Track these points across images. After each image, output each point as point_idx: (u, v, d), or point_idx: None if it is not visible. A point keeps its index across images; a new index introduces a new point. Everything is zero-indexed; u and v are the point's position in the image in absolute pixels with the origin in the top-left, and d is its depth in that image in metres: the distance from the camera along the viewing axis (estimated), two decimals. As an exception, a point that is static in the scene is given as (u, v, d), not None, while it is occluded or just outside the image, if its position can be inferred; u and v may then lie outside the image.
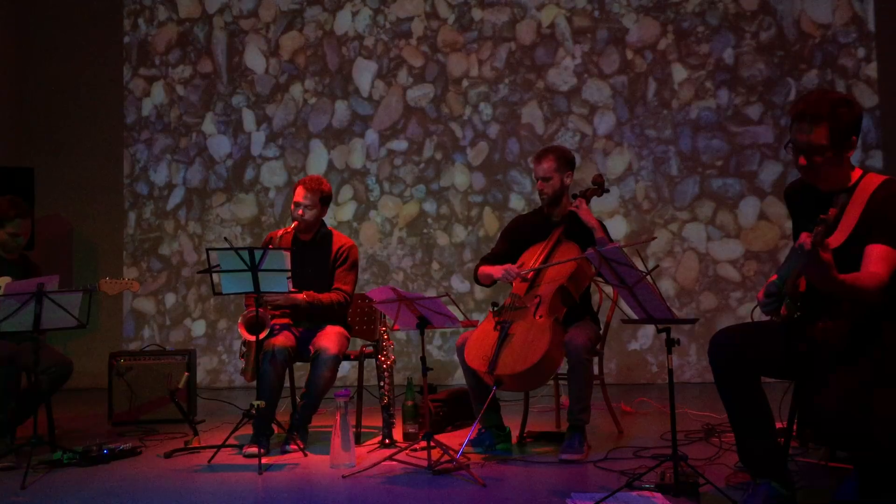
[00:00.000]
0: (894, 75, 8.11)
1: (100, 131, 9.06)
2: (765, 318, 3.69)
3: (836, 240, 3.39)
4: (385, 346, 5.41)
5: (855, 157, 3.57)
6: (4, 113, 8.95)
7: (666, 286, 8.05)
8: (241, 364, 5.46)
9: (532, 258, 5.12)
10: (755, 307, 3.75)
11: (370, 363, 5.82)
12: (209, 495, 4.32)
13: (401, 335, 8.27)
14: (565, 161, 5.25)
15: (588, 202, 5.28)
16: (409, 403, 5.43)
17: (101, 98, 9.09)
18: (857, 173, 3.52)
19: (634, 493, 3.87)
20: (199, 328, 8.80)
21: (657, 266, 5.05)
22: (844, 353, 3.35)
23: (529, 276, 5.05)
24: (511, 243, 5.36)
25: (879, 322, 3.37)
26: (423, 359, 4.80)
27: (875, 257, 3.30)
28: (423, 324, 4.77)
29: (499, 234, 5.72)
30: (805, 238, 3.08)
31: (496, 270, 5.14)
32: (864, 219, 3.39)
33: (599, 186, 5.33)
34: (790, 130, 3.51)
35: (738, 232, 8.21)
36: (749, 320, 3.89)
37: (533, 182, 8.37)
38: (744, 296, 8.11)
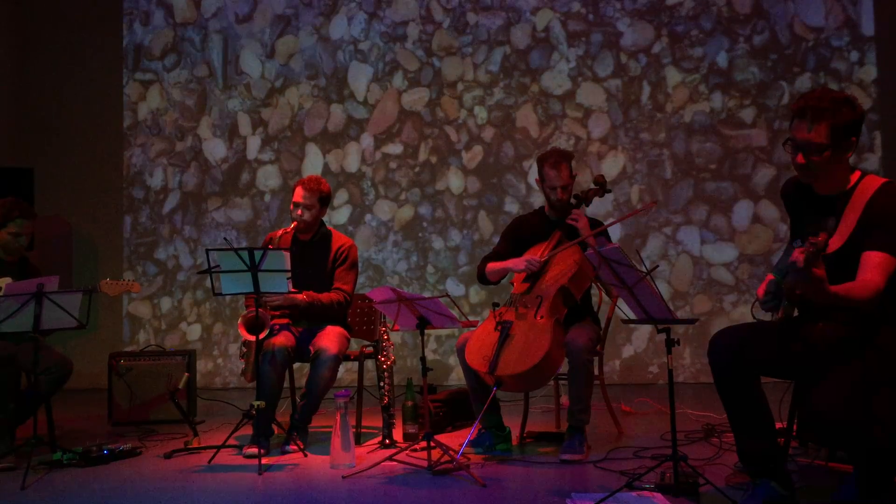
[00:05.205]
0: (893, 79, 8.15)
1: (100, 133, 9.06)
2: (764, 314, 3.72)
3: (833, 244, 3.38)
4: (385, 346, 5.42)
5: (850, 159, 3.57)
6: (4, 113, 8.94)
7: (660, 289, 8.03)
8: (241, 365, 5.47)
9: (535, 256, 5.12)
10: (754, 302, 3.77)
11: (367, 365, 5.85)
12: (209, 496, 4.31)
13: (396, 338, 8.27)
14: (572, 164, 5.30)
15: (589, 203, 5.33)
16: (409, 404, 5.43)
17: (100, 100, 9.08)
18: (855, 175, 3.51)
19: (634, 494, 3.87)
20: (194, 332, 8.80)
21: (657, 265, 5.06)
22: (842, 353, 3.36)
23: (544, 259, 5.07)
24: (512, 243, 5.37)
25: (877, 324, 3.39)
26: (422, 359, 4.81)
27: (872, 265, 3.30)
28: (422, 324, 4.78)
29: (494, 238, 5.72)
30: (798, 255, 3.07)
31: (516, 263, 5.13)
32: (861, 223, 3.38)
33: (601, 187, 5.36)
34: (790, 128, 3.50)
35: (731, 235, 8.24)
36: (748, 319, 3.90)
37: (528, 185, 8.40)
38: (738, 299, 8.15)
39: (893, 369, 3.33)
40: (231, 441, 5.19)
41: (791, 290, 3.34)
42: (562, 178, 5.23)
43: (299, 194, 5.57)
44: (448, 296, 4.95)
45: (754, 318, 3.81)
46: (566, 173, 5.23)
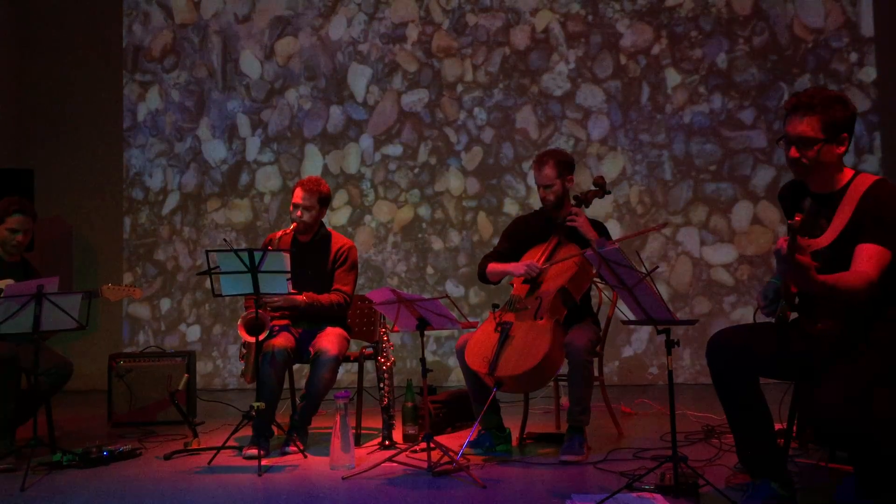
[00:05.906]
0: (893, 80, 8.15)
1: (100, 133, 9.06)
2: (766, 318, 3.72)
3: (826, 238, 3.43)
4: (385, 347, 5.42)
5: (848, 161, 3.59)
6: (5, 114, 8.94)
7: (660, 290, 8.03)
8: (241, 366, 5.47)
9: (533, 259, 5.13)
10: (756, 309, 3.78)
11: (367, 366, 5.84)
12: (209, 497, 4.31)
13: (395, 340, 8.27)
14: (565, 165, 5.26)
15: (589, 204, 5.32)
16: (409, 405, 5.43)
17: (100, 100, 9.08)
18: (848, 173, 3.54)
19: (634, 495, 3.87)
20: (193, 333, 8.80)
21: (657, 266, 5.06)
22: (841, 352, 3.37)
23: (542, 266, 5.06)
24: (513, 244, 5.37)
25: (875, 322, 3.40)
26: (422, 360, 4.80)
27: (865, 256, 3.32)
28: (422, 325, 4.77)
29: (494, 239, 5.71)
30: (781, 243, 3.11)
31: (516, 267, 5.13)
32: (855, 218, 3.41)
33: (601, 188, 5.35)
34: (784, 125, 3.55)
35: (731, 236, 8.24)
36: (748, 320, 3.91)
37: (527, 186, 8.40)
38: (737, 300, 8.15)
39: (893, 368, 3.34)
40: (231, 442, 5.19)
41: (787, 287, 3.36)
42: (542, 178, 5.23)
43: (299, 195, 5.56)
44: (448, 297, 4.96)
45: (756, 321, 3.82)
46: (549, 172, 5.21)
